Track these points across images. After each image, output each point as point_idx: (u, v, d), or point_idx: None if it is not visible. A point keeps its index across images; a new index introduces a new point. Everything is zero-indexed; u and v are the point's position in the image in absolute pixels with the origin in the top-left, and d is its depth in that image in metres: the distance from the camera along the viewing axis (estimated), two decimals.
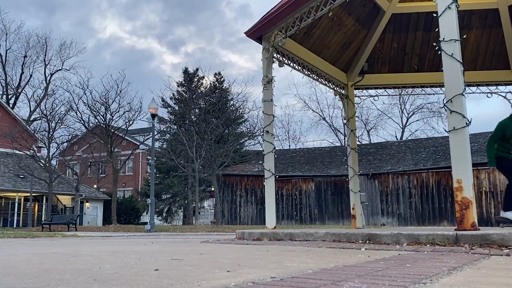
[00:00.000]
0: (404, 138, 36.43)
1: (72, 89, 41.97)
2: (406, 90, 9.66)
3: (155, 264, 2.31)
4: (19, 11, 73.29)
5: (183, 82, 32.96)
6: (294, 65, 7.34)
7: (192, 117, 29.18)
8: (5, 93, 38.64)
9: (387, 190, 22.28)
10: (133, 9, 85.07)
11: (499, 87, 8.58)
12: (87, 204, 32.96)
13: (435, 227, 18.14)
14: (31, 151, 27.78)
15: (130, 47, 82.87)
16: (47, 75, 39.04)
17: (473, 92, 8.62)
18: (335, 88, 8.51)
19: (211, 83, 32.35)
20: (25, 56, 39.23)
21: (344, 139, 36.01)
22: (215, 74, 33.30)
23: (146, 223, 22.02)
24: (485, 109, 59.86)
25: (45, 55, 39.32)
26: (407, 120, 38.99)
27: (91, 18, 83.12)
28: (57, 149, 30.11)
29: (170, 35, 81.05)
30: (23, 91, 40.75)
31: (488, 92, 8.53)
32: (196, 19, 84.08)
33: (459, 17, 4.40)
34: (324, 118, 39.85)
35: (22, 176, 29.20)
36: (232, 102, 30.81)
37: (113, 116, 26.94)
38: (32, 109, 37.94)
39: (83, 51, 74.97)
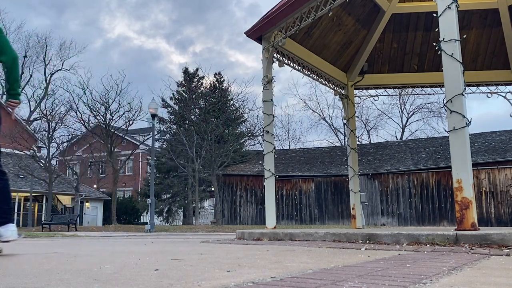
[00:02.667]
0: (404, 138, 36.44)
1: (72, 89, 41.99)
2: (406, 90, 9.68)
3: (155, 264, 2.31)
4: (29, 10, 73.36)
5: (183, 82, 32.96)
6: (294, 65, 7.35)
7: (192, 117, 29.19)
8: (5, 93, 38.61)
9: (387, 190, 22.28)
10: (142, 8, 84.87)
11: (499, 87, 8.58)
12: (87, 204, 32.96)
13: (435, 227, 18.15)
14: (31, 151, 27.78)
15: (138, 47, 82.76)
16: (47, 75, 39.05)
17: (473, 92, 8.63)
18: (335, 88, 8.52)
19: (211, 83, 32.36)
20: (25, 56, 39.20)
21: (344, 139, 36.02)
22: (215, 74, 33.30)
23: (146, 223, 22.02)
24: (490, 108, 59.64)
25: (45, 55, 39.34)
26: (407, 120, 39.02)
27: (100, 17, 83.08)
28: (57, 149, 30.13)
29: (179, 35, 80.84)
30: (23, 91, 40.75)
31: (488, 92, 8.54)
32: (205, 18, 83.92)
33: (459, 17, 4.40)
34: (324, 118, 39.86)
35: (22, 176, 29.20)
36: (232, 102, 30.83)
37: (113, 116, 26.99)
38: (32, 109, 37.94)
39: (83, 51, 75.03)
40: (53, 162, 30.89)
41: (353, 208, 8.23)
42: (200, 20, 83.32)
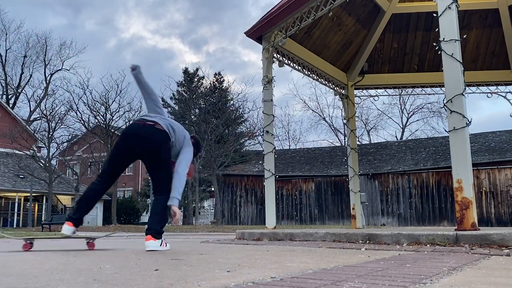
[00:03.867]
0: (404, 138, 36.45)
1: (72, 89, 41.98)
2: (406, 90, 9.67)
3: (155, 264, 2.31)
4: (45, 10, 73.18)
5: (183, 82, 32.96)
6: (294, 65, 7.35)
7: (192, 117, 29.18)
8: (5, 93, 38.66)
9: (387, 190, 22.28)
10: (159, 7, 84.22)
11: (499, 87, 8.58)
12: None
13: (435, 227, 18.15)
14: (31, 151, 27.77)
15: (152, 47, 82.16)
16: (47, 75, 39.06)
17: (473, 92, 8.63)
18: (335, 88, 8.52)
19: (211, 83, 32.36)
20: (25, 56, 39.25)
21: (344, 139, 36.02)
22: (215, 74, 33.33)
23: (146, 223, 22.01)
24: (500, 108, 59.25)
25: (45, 55, 39.37)
26: (407, 120, 39.04)
27: (116, 17, 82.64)
28: (57, 149, 30.13)
29: (193, 34, 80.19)
30: (23, 91, 40.81)
31: (488, 92, 8.53)
32: (221, 18, 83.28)
33: (459, 17, 4.40)
34: (324, 118, 39.91)
35: (22, 176, 29.19)
36: (232, 102, 30.85)
37: (113, 116, 26.97)
38: (32, 109, 37.98)
39: (83, 51, 74.91)
40: (53, 162, 30.90)
41: (353, 208, 8.23)
42: (216, 20, 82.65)
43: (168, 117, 3.95)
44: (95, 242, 3.81)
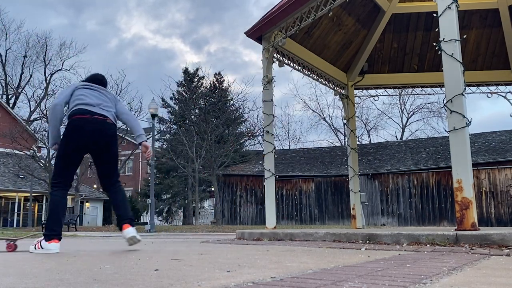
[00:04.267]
0: (404, 138, 36.44)
1: None
2: (406, 90, 9.67)
3: (155, 264, 2.31)
4: (45, 10, 73.25)
5: (183, 82, 32.96)
6: (294, 65, 7.35)
7: (192, 117, 29.18)
8: (5, 93, 38.64)
9: (387, 190, 22.27)
10: (161, 8, 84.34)
11: (499, 87, 8.59)
12: (87, 204, 32.96)
13: (435, 227, 18.14)
14: (31, 151, 27.76)
15: (153, 47, 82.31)
16: (47, 75, 39.02)
17: (473, 92, 8.63)
18: (335, 88, 8.52)
19: (211, 83, 32.36)
20: (25, 56, 39.22)
21: (344, 139, 36.02)
22: (215, 74, 33.34)
23: (146, 223, 22.03)
24: (501, 108, 59.23)
25: (45, 55, 39.31)
26: (407, 120, 39.02)
27: (117, 17, 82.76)
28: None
29: (195, 34, 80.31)
30: (23, 91, 40.77)
31: (488, 92, 8.54)
32: (222, 18, 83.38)
33: (459, 17, 4.40)
34: (324, 118, 39.88)
35: (22, 176, 29.19)
36: (232, 102, 30.85)
37: None
38: (32, 109, 37.94)
39: (83, 51, 74.87)
40: (53, 162, 30.88)
41: (353, 208, 8.23)
42: (217, 19, 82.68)
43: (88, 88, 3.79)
44: (16, 244, 3.72)
